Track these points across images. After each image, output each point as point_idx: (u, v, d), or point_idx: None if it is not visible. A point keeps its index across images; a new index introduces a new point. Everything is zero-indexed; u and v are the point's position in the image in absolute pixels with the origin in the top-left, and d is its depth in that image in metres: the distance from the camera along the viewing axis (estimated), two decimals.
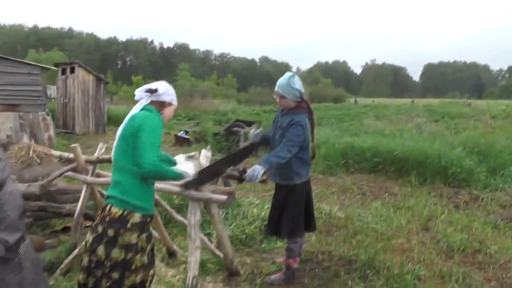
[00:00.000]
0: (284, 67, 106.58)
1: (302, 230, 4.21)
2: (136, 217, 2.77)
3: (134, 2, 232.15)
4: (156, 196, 4.60)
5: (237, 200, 6.60)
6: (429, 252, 4.90)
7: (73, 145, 4.65)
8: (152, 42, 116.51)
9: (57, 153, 5.32)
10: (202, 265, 4.47)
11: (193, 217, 3.82)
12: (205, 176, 3.50)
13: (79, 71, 19.59)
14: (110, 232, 2.72)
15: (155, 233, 4.67)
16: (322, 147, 10.98)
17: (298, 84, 4.01)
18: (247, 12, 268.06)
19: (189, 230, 3.82)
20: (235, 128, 14.33)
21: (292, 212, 4.10)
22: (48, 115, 14.80)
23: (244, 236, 5.36)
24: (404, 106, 34.58)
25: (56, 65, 21.51)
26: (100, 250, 2.74)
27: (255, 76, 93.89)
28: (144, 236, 2.79)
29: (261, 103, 42.49)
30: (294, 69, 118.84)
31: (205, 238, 4.72)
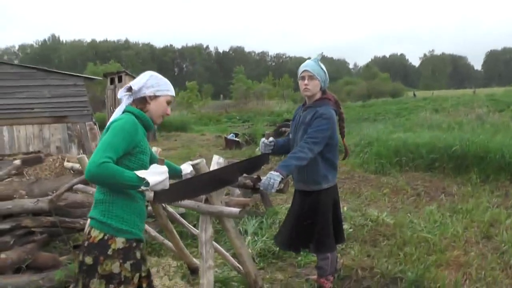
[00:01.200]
0: (340, 64, 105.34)
1: (333, 243, 3.61)
2: (119, 242, 2.32)
3: (189, 10, 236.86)
4: (170, 209, 4.17)
5: (274, 207, 6.09)
6: (491, 268, 4.14)
7: (79, 155, 4.28)
8: (207, 47, 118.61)
9: (69, 164, 4.98)
10: (225, 283, 4.01)
11: (204, 233, 3.31)
12: (181, 190, 2.78)
13: (126, 80, 19.64)
14: (88, 260, 2.30)
15: (173, 248, 4.26)
16: (374, 145, 10.33)
17: (323, 67, 3.52)
18: (302, 11, 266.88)
19: (200, 248, 3.32)
20: (283, 128, 13.79)
21: (321, 222, 3.52)
22: (95, 124, 14.84)
23: (277, 248, 4.80)
24: (465, 97, 32.53)
25: (105, 75, 21.79)
26: (80, 280, 2.35)
27: None
28: (128, 264, 2.32)
29: None
30: (351, 66, 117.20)
31: (226, 252, 4.19)
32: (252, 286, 3.78)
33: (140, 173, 2.18)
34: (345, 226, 5.23)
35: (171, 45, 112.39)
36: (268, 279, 4.23)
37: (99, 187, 2.41)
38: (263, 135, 3.89)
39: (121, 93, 2.52)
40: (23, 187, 4.54)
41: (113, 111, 2.56)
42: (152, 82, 2.51)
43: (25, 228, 4.36)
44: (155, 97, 2.52)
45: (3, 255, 4.04)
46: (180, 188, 2.73)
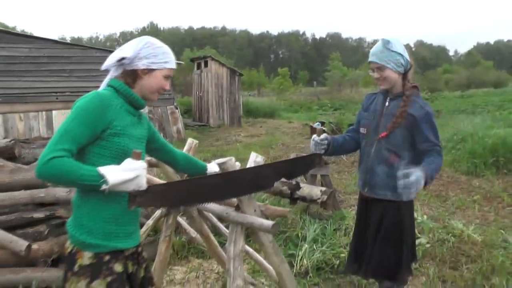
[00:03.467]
0: (440, 51, 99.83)
1: (406, 275, 2.84)
2: (85, 258, 1.87)
3: None
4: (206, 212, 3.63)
5: (342, 211, 5.39)
6: None
7: None
8: (304, 33, 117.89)
9: None
10: None
11: (233, 246, 2.74)
12: (173, 192, 2.06)
13: (212, 65, 19.59)
14: (63, 273, 1.93)
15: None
16: (468, 141, 9.16)
17: (399, 46, 2.70)
18: None
19: (227, 263, 2.77)
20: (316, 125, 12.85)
21: (400, 243, 2.78)
22: (176, 108, 14.83)
23: (338, 262, 4.13)
24: None
25: (192, 60, 21.86)
26: None
27: None
28: (96, 284, 1.85)
29: None
30: (451, 53, 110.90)
31: (268, 266, 3.59)
32: None
33: (103, 169, 1.68)
34: (422, 240, 4.44)
35: (267, 32, 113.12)
36: None
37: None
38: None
39: (109, 62, 1.98)
40: None
41: (199, 95, 2.00)
42: (146, 52, 1.97)
43: (59, 218, 4.08)
44: (149, 70, 1.98)
45: (35, 246, 3.78)
46: (171, 190, 2.08)
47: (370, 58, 2.73)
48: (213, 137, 16.12)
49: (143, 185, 1.77)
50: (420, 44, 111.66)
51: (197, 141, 3.51)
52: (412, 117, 2.66)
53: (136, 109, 2.02)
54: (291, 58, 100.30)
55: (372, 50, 2.75)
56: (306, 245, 4.38)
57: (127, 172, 1.71)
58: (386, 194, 2.81)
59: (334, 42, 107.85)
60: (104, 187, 1.67)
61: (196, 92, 20.58)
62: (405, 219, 2.79)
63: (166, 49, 2.05)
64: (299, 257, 4.22)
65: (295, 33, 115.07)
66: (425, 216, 5.07)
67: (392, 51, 2.66)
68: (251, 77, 48.96)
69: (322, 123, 15.91)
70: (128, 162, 1.74)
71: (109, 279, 1.87)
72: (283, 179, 2.63)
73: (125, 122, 1.92)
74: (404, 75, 2.73)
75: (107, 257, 1.89)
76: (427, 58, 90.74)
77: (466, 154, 8.56)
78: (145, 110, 2.15)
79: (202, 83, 20.05)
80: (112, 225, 1.92)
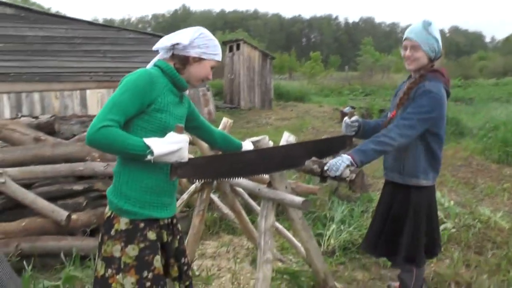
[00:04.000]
0: (476, 37, 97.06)
1: (422, 257, 2.87)
2: (122, 223, 2.02)
3: None
4: (239, 188, 3.74)
5: (369, 193, 5.45)
6: None
7: None
8: (336, 18, 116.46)
9: None
10: (294, 276, 3.56)
11: (264, 221, 2.87)
12: (211, 166, 2.24)
13: (244, 48, 19.62)
14: (100, 237, 2.11)
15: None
16: (500, 129, 9.05)
17: (437, 32, 2.70)
18: None
19: (258, 238, 2.90)
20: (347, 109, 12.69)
21: (412, 227, 2.82)
22: (208, 90, 14.98)
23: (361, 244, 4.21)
24: None
25: (224, 43, 21.92)
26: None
27: (443, 48, 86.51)
28: (130, 249, 2.00)
29: None
30: (488, 39, 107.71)
31: (297, 242, 3.71)
32: (321, 286, 3.30)
33: (149, 140, 1.83)
34: (448, 225, 4.49)
35: (299, 16, 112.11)
36: (345, 278, 3.71)
37: (117, 157, 2.11)
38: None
39: (162, 44, 2.13)
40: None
41: (230, 78, 2.15)
42: (200, 42, 2.11)
43: (97, 191, 4.28)
44: (200, 59, 2.12)
45: (74, 216, 3.99)
46: (211, 163, 2.24)
47: (407, 35, 2.71)
48: (243, 120, 16.24)
49: (185, 158, 1.91)
50: (455, 30, 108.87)
51: (232, 120, 3.63)
52: (414, 94, 2.68)
53: (179, 90, 2.15)
54: (323, 42, 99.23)
55: (410, 28, 2.74)
56: (334, 226, 4.48)
57: (171, 145, 1.84)
58: (394, 176, 2.89)
59: (367, 27, 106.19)
60: (149, 157, 1.80)
61: (228, 75, 20.66)
62: (416, 204, 2.81)
63: (217, 42, 2.19)
64: (327, 237, 4.33)
65: (328, 17, 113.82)
66: (451, 202, 5.08)
67: (430, 34, 2.65)
68: (283, 60, 48.65)
69: (353, 108, 15.73)
70: (172, 135, 1.87)
71: (142, 245, 2.01)
72: (313, 158, 2.72)
73: (168, 100, 2.05)
74: (432, 61, 2.73)
75: (142, 224, 2.03)
76: (461, 45, 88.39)
77: (498, 142, 8.46)
78: (186, 92, 2.28)
79: (234, 65, 20.12)
80: (148, 194, 2.05)
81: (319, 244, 4.20)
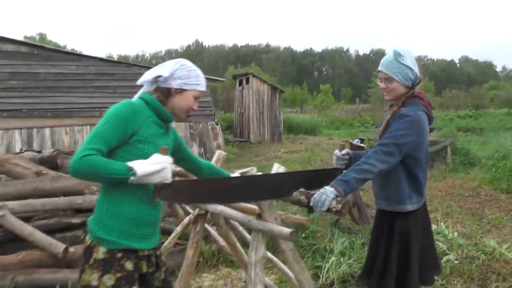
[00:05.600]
0: (486, 67, 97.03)
1: (415, 285, 2.78)
2: (100, 252, 2.03)
3: (329, 14, 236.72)
4: (233, 222, 3.73)
5: (371, 225, 5.36)
6: None
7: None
8: (347, 50, 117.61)
9: None
10: None
11: (254, 252, 2.83)
12: (195, 189, 2.24)
13: (254, 81, 19.79)
14: (80, 266, 2.11)
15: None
16: (510, 158, 8.92)
17: (410, 60, 2.70)
18: (445, 11, 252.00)
19: (248, 270, 2.86)
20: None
21: (398, 254, 2.78)
22: (217, 124, 15.09)
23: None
24: None
25: (234, 77, 22.19)
26: None
27: (454, 78, 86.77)
28: (106, 279, 2.00)
29: (456, 107, 38.67)
30: (498, 68, 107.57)
31: (290, 273, 3.65)
32: None
33: (131, 163, 1.86)
34: (450, 257, 4.40)
35: (311, 49, 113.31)
36: None
37: (100, 187, 2.14)
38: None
39: (146, 78, 2.18)
40: (95, 183, 4.47)
41: (240, 111, 2.21)
42: (180, 73, 2.16)
43: None
44: (182, 90, 2.17)
45: (72, 249, 4.01)
46: (194, 186, 2.24)
47: (380, 67, 2.75)
48: (253, 153, 16.25)
49: (168, 178, 1.94)
50: (465, 60, 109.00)
51: (225, 153, 3.66)
52: (392, 121, 2.67)
53: (164, 122, 2.18)
54: (335, 74, 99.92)
55: (382, 60, 2.77)
56: (333, 258, 4.41)
57: (154, 165, 1.88)
58: (381, 203, 2.87)
59: (377, 58, 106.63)
60: (132, 178, 1.83)
61: (238, 109, 20.81)
62: (402, 230, 2.75)
63: (199, 72, 2.23)
64: (326, 269, 4.26)
65: (339, 49, 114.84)
66: (455, 233, 4.98)
67: (403, 64, 2.67)
68: (294, 94, 49.08)
69: (362, 140, 15.69)
70: (155, 156, 1.91)
71: (119, 275, 2.01)
72: (301, 189, 2.71)
73: (151, 131, 2.08)
74: (411, 88, 2.74)
75: (119, 254, 2.04)
76: (472, 74, 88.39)
77: (507, 172, 8.34)
78: (173, 124, 2.32)
79: (243, 99, 20.28)
80: (127, 224, 2.06)
81: (317, 277, 4.15)
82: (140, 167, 1.84)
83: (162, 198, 2.01)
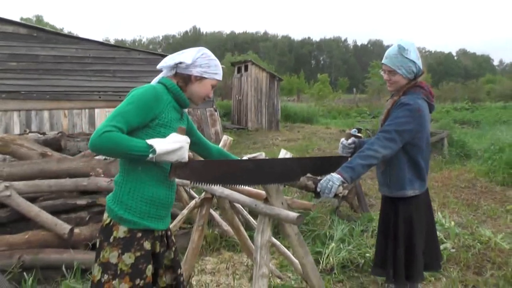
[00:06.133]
0: (483, 60, 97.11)
1: (418, 272, 2.86)
2: (120, 231, 2.10)
3: (328, 3, 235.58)
4: (238, 204, 3.80)
5: (370, 213, 5.47)
6: None
7: None
8: (345, 40, 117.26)
9: None
10: None
11: (260, 236, 2.90)
12: (209, 170, 2.30)
13: (252, 69, 19.79)
14: (98, 243, 2.17)
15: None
16: (505, 151, 9.04)
17: (414, 54, 2.78)
18: (444, 3, 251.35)
19: (254, 252, 2.93)
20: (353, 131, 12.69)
21: (404, 241, 2.87)
22: (215, 111, 15.12)
23: (363, 261, 4.25)
24: None
25: (232, 64, 22.16)
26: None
27: (451, 71, 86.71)
28: (126, 257, 2.07)
29: (452, 100, 38.79)
30: (496, 62, 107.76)
31: (295, 260, 3.74)
32: None
33: (151, 140, 1.93)
34: (447, 245, 4.50)
35: (309, 38, 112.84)
36: None
37: (120, 167, 2.18)
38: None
39: (166, 63, 2.25)
40: (101, 165, 4.53)
41: (238, 98, 2.28)
42: (201, 62, 2.24)
43: (100, 206, 4.36)
44: (201, 78, 2.25)
45: (77, 230, 4.07)
46: (209, 167, 2.31)
47: (384, 60, 2.83)
48: (250, 140, 16.30)
49: (185, 158, 2.01)
50: (463, 53, 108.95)
51: (232, 138, 3.71)
52: (393, 109, 2.77)
53: (181, 107, 2.26)
54: (332, 64, 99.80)
55: (387, 52, 2.85)
56: (333, 244, 4.50)
57: (172, 144, 1.95)
58: (384, 190, 2.97)
59: (375, 49, 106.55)
60: (151, 156, 1.90)
61: (236, 96, 20.82)
62: (405, 216, 2.84)
63: (218, 62, 2.31)
64: (326, 255, 4.35)
65: (337, 39, 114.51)
66: (452, 223, 5.09)
67: (406, 58, 2.75)
68: (292, 82, 48.94)
69: (359, 130, 15.61)
70: (173, 135, 1.99)
71: (138, 254, 2.08)
72: (308, 175, 2.78)
73: (171, 116, 2.15)
74: (413, 80, 2.81)
75: (139, 234, 2.10)
76: (469, 68, 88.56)
77: (502, 165, 8.44)
78: (185, 109, 2.39)
79: (241, 86, 20.29)
80: (147, 205, 2.13)
81: (318, 262, 4.23)
82: (160, 144, 1.91)
83: (178, 176, 2.07)
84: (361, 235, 4.85)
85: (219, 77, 2.31)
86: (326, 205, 5.89)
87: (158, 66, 2.28)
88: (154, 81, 2.26)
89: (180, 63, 2.20)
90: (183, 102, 2.23)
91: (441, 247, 4.44)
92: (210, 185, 2.50)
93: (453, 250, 4.45)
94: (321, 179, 2.66)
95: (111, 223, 2.11)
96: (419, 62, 2.80)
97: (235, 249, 4.67)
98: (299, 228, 4.92)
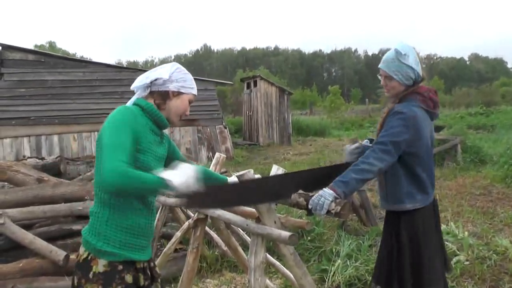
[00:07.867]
0: (497, 63, 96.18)
1: (430, 279, 2.65)
2: (100, 265, 1.93)
3: (338, 15, 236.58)
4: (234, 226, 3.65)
5: (379, 226, 5.26)
6: None
7: None
8: (356, 51, 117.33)
9: None
10: None
11: (254, 257, 2.75)
12: (215, 195, 2.26)
13: (261, 84, 19.74)
14: (75, 280, 1.98)
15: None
16: None
17: (412, 59, 2.61)
18: (455, 9, 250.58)
19: (248, 274, 2.78)
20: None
21: (407, 255, 2.69)
22: (225, 128, 15.06)
23: (371, 278, 4.03)
24: None
25: (242, 80, 22.18)
26: None
27: (463, 76, 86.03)
28: None
29: (466, 105, 38.28)
30: (510, 65, 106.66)
31: (293, 278, 3.56)
32: None
33: (161, 174, 1.81)
34: (461, 257, 4.27)
35: (320, 50, 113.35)
36: None
37: (95, 197, 2.03)
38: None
39: (140, 82, 2.12)
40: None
41: (248, 114, 2.17)
42: (177, 76, 2.12)
43: None
44: (179, 93, 2.12)
45: (73, 256, 3.95)
46: (214, 192, 2.25)
47: (380, 65, 2.68)
48: (262, 156, 16.19)
49: (190, 186, 1.86)
50: (475, 57, 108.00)
51: (224, 156, 3.59)
52: (387, 118, 2.61)
53: (160, 128, 2.13)
54: (344, 75, 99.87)
55: (384, 57, 2.69)
56: (340, 261, 4.31)
57: (183, 175, 1.82)
58: (383, 204, 2.82)
59: None
60: (169, 192, 1.82)
61: (246, 112, 20.77)
62: (409, 230, 2.67)
63: (191, 76, 2.20)
64: (332, 273, 4.16)
65: (348, 50, 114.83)
66: (466, 233, 4.86)
67: (404, 63, 2.59)
68: (304, 96, 48.96)
69: (371, 140, 15.59)
70: (184, 166, 1.87)
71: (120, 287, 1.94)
72: (300, 191, 2.62)
73: (149, 139, 2.02)
74: (411, 86, 2.65)
75: (120, 267, 1.95)
76: (482, 72, 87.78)
77: None
78: (166, 131, 2.26)
79: (251, 102, 20.22)
80: (127, 235, 1.99)
81: (323, 280, 4.06)
82: (175, 178, 1.79)
83: (189, 205, 1.96)
84: (369, 250, 4.66)
85: (195, 91, 2.19)
86: (334, 220, 5.71)
87: (132, 87, 2.14)
88: (129, 103, 2.13)
89: (156, 79, 2.08)
90: (161, 123, 2.10)
91: (454, 259, 4.24)
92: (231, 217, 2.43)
93: (467, 262, 4.22)
94: (312, 195, 2.51)
95: (89, 257, 1.95)
96: (418, 68, 2.63)
97: (237, 269, 4.50)
98: (305, 245, 4.79)
